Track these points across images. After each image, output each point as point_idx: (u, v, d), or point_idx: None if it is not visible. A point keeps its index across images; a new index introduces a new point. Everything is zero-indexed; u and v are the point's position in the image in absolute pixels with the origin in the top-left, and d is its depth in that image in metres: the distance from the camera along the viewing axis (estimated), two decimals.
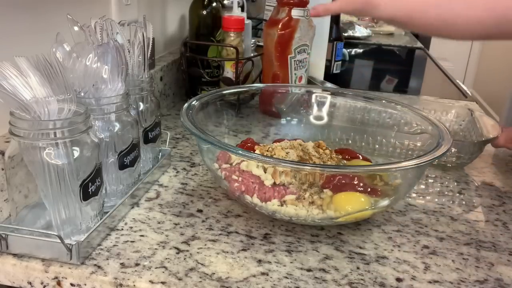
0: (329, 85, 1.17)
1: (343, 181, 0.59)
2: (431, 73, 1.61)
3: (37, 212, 0.54)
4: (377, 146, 0.80)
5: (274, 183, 0.59)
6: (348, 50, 1.61)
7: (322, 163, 0.66)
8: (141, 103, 0.67)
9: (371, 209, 0.59)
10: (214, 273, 0.51)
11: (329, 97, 0.83)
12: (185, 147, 0.83)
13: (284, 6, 0.93)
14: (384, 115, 0.78)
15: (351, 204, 0.58)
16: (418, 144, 0.72)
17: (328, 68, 1.33)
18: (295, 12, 0.93)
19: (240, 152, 0.56)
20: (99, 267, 0.51)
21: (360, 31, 1.94)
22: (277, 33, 0.93)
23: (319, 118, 0.83)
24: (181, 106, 0.66)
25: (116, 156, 0.60)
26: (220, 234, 0.59)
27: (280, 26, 0.93)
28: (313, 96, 0.84)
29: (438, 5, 0.67)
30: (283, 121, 0.85)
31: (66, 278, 0.51)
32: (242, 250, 0.56)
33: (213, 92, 0.74)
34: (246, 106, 0.94)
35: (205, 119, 0.71)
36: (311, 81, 1.14)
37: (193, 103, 0.68)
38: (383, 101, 0.78)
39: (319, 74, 1.21)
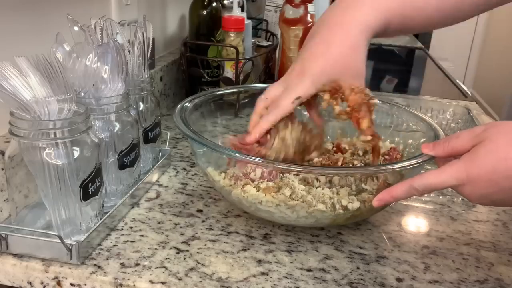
0: None
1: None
2: (431, 73, 1.61)
3: (37, 212, 0.54)
4: None
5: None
6: None
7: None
8: (141, 103, 0.67)
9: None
10: (214, 273, 0.51)
11: None
12: (185, 147, 0.83)
13: (301, 5, 1.02)
14: (382, 114, 0.78)
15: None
16: (414, 143, 0.72)
17: None
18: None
19: (232, 153, 0.56)
20: (99, 267, 0.51)
21: None
22: (302, 29, 1.02)
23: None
24: None
25: (116, 156, 0.60)
26: (220, 234, 0.59)
27: (303, 22, 1.02)
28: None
29: None
30: None
31: (66, 278, 0.51)
32: (242, 250, 0.56)
33: (208, 92, 0.74)
34: (246, 106, 0.94)
35: (202, 119, 0.71)
36: None
37: (186, 104, 0.67)
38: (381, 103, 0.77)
39: None
